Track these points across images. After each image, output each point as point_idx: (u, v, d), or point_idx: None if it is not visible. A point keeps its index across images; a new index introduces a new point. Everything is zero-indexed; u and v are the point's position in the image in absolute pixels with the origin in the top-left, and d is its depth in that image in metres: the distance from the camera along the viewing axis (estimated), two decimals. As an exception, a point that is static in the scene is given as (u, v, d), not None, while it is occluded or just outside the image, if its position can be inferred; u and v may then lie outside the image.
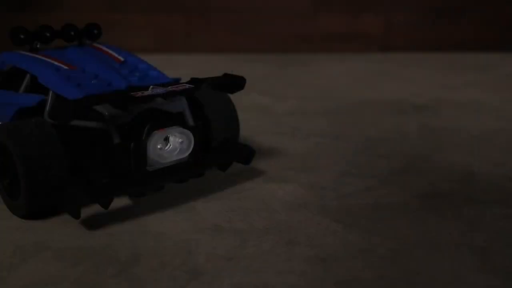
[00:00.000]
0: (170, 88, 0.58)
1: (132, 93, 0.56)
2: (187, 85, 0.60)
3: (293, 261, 0.50)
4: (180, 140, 0.60)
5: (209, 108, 0.68)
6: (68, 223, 0.57)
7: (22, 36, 0.70)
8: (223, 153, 0.66)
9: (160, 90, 0.58)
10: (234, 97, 0.72)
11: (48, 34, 0.71)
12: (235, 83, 0.65)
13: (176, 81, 0.70)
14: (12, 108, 0.63)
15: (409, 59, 1.61)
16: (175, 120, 0.60)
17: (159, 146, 0.58)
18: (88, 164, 0.60)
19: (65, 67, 0.65)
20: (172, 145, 0.60)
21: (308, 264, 0.49)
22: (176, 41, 1.76)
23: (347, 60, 1.60)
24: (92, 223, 0.57)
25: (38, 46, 0.71)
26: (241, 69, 1.45)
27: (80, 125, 0.59)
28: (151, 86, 0.58)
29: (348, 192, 0.65)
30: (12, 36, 0.70)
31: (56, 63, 0.66)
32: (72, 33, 0.73)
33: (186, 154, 0.61)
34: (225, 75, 0.66)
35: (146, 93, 0.56)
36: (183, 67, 1.48)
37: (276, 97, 1.15)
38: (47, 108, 0.61)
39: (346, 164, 0.74)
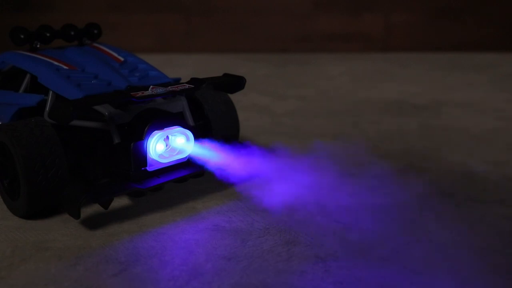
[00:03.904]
0: (170, 88, 0.58)
1: (132, 93, 0.56)
2: (187, 85, 0.60)
3: (293, 261, 0.50)
4: (180, 140, 0.60)
5: (209, 108, 0.68)
6: (68, 223, 0.57)
7: (22, 36, 0.70)
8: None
9: (160, 90, 0.58)
10: (234, 97, 0.72)
11: (48, 34, 0.71)
12: (235, 83, 0.65)
13: (176, 81, 0.70)
14: (12, 108, 0.63)
15: (409, 59, 1.61)
16: (175, 120, 0.60)
17: (159, 146, 0.58)
18: (88, 164, 0.60)
19: (65, 67, 0.65)
20: (172, 145, 0.60)
21: (308, 264, 0.49)
22: (176, 41, 1.76)
23: (347, 60, 1.60)
24: (92, 223, 0.57)
25: (38, 46, 0.71)
26: (241, 69, 1.45)
27: (80, 125, 0.59)
28: (151, 86, 0.58)
29: (348, 192, 0.65)
30: (12, 36, 0.70)
31: (56, 63, 0.65)
32: (72, 33, 0.73)
33: (186, 154, 0.61)
34: (225, 75, 0.66)
35: (146, 93, 0.56)
36: (183, 67, 1.48)
37: (276, 97, 1.15)
38: (47, 108, 0.61)
39: (346, 164, 0.74)
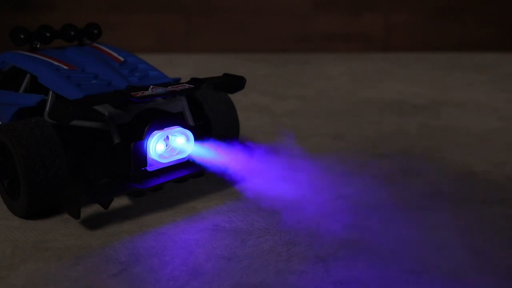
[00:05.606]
0: (170, 88, 0.58)
1: (132, 93, 0.56)
2: (187, 85, 0.60)
3: (293, 261, 0.50)
4: (180, 140, 0.60)
5: (209, 108, 0.68)
6: (68, 223, 0.57)
7: (22, 36, 0.70)
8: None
9: (160, 90, 0.58)
10: (234, 97, 0.72)
11: (48, 34, 0.71)
12: (235, 83, 0.65)
13: (176, 81, 0.70)
14: (12, 108, 0.63)
15: (409, 59, 1.61)
16: (175, 120, 0.60)
17: (159, 146, 0.58)
18: (88, 164, 0.60)
19: (65, 67, 0.65)
20: (172, 145, 0.60)
21: (308, 264, 0.49)
22: (176, 41, 1.76)
23: (347, 60, 1.60)
24: (92, 223, 0.57)
25: (38, 46, 0.71)
26: (241, 69, 1.45)
27: (80, 125, 0.59)
28: (151, 86, 0.58)
29: (348, 192, 0.65)
30: (12, 36, 0.70)
31: (56, 63, 0.65)
32: (72, 33, 0.73)
33: (186, 154, 0.61)
34: (225, 75, 0.66)
35: (146, 93, 0.56)
36: (183, 67, 1.48)
37: (276, 97, 1.15)
38: (47, 108, 0.61)
39: (346, 163, 0.74)
